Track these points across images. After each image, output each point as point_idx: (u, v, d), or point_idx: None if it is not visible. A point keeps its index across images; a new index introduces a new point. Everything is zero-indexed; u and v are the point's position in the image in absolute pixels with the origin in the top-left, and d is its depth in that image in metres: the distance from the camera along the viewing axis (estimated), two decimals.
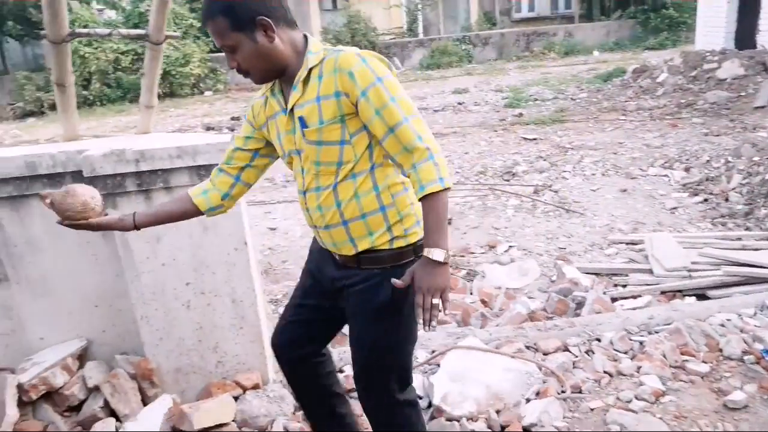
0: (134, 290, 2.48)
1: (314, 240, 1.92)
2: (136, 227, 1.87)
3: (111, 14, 16.52)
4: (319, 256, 1.89)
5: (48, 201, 1.75)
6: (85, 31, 3.01)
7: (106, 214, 1.84)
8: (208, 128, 11.41)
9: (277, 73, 1.65)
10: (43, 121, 14.85)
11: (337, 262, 1.79)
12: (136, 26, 14.81)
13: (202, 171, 2.35)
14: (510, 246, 5.09)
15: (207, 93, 16.12)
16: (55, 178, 2.34)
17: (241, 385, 2.58)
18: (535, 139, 8.59)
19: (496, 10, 21.02)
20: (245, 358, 2.62)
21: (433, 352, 2.81)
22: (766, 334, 2.60)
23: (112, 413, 2.52)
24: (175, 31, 14.89)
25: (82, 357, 2.65)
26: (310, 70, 1.62)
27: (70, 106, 2.67)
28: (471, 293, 4.06)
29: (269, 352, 2.67)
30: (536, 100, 11.47)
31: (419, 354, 2.82)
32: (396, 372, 1.86)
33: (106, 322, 2.65)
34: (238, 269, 2.51)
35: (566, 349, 2.76)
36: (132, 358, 2.63)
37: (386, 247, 1.72)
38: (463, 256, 4.97)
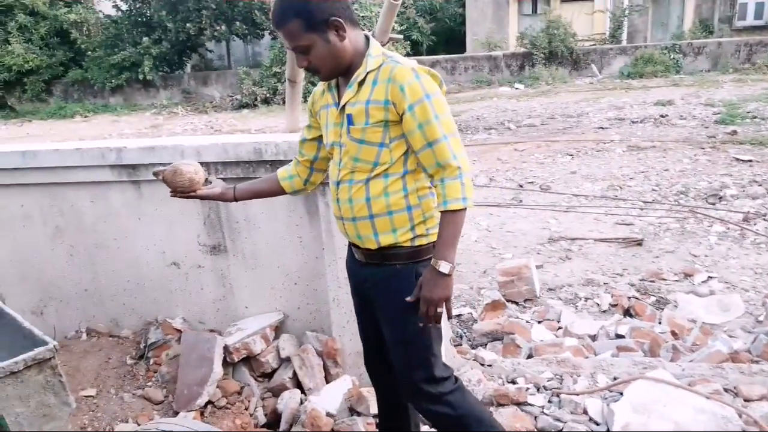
0: (330, 273, 2.69)
1: (348, 257, 2.06)
2: (236, 199, 2.12)
3: None
4: (352, 264, 2.02)
5: (161, 177, 2.03)
6: None
7: (210, 184, 2.09)
8: None
9: (344, 70, 1.77)
10: (254, 113, 16.59)
11: (361, 262, 1.92)
12: None
13: None
14: (710, 276, 4.62)
15: None
16: (275, 165, 2.62)
17: None
18: (750, 160, 7.66)
19: (715, 17, 19.04)
20: None
21: (615, 378, 2.66)
22: None
23: (298, 385, 2.75)
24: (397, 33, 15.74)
25: (278, 329, 2.94)
26: (368, 73, 1.74)
27: (296, 101, 2.95)
28: (660, 322, 3.77)
29: (444, 350, 2.72)
30: (755, 117, 10.20)
31: (599, 378, 2.69)
32: (429, 367, 1.89)
33: (301, 299, 2.90)
34: None
35: None
36: (320, 336, 2.85)
37: (408, 244, 1.82)
38: (653, 281, 4.62)
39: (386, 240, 1.83)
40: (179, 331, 2.97)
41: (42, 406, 1.49)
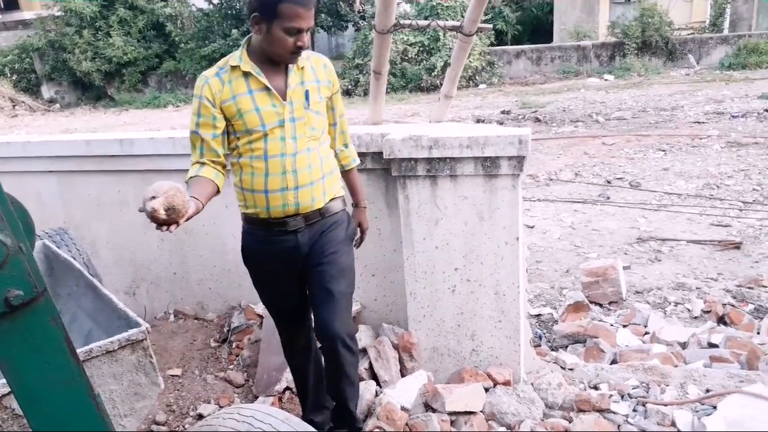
0: (408, 267, 2.68)
1: (260, 241, 2.16)
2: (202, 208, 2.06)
3: (405, 8, 17.83)
4: (274, 244, 2.13)
5: (162, 209, 1.75)
6: (407, 22, 3.30)
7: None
8: (478, 120, 11.69)
9: None
10: None
11: (297, 229, 2.11)
12: (426, 19, 15.78)
13: (487, 162, 2.42)
14: None
15: (481, 86, 16.47)
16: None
17: (493, 378, 2.62)
18: None
19: None
20: (499, 351, 2.65)
21: (708, 390, 2.50)
22: None
23: (374, 377, 2.77)
24: (485, 24, 15.55)
25: (355, 319, 2.95)
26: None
27: (380, 93, 2.95)
28: (758, 332, 3.51)
29: (523, 350, 2.66)
30: None
31: (690, 389, 2.54)
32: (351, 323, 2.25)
33: (378, 291, 2.91)
34: (506, 262, 2.54)
35: None
36: (396, 329, 2.85)
37: (339, 195, 2.22)
38: (751, 287, 4.31)
39: (329, 194, 2.18)
40: (261, 316, 3.05)
41: (134, 384, 1.57)
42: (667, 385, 2.56)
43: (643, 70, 15.69)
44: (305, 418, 2.39)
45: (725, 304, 3.98)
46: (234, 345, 2.99)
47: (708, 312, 3.93)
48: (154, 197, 1.76)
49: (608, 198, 6.69)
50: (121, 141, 3.15)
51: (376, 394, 2.62)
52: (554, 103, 12.74)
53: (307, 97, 2.06)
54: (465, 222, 2.30)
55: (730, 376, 2.59)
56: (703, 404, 2.40)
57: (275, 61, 2.01)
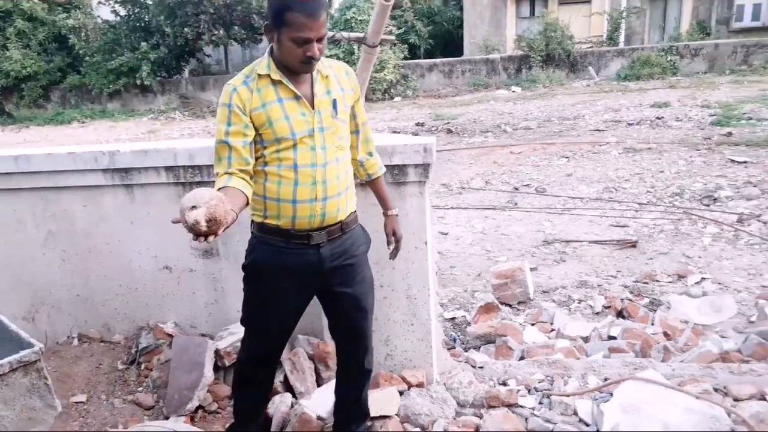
0: None
1: (277, 254, 2.08)
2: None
3: None
4: (296, 257, 2.08)
5: (204, 220, 1.64)
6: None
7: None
8: (394, 132, 11.90)
9: None
10: None
11: (318, 244, 2.07)
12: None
13: (396, 170, 2.49)
14: (703, 278, 4.64)
15: (396, 99, 16.79)
16: None
17: (407, 380, 2.68)
18: (744, 162, 7.68)
19: (712, 18, 19.07)
20: (413, 354, 2.72)
21: (606, 379, 2.66)
22: None
23: (290, 389, 2.75)
24: (389, 36, 15.79)
25: None
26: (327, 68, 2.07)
27: None
28: (652, 323, 3.78)
29: (435, 352, 2.74)
30: (750, 119, 10.23)
31: (590, 379, 2.70)
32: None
33: None
34: (416, 267, 2.61)
35: (763, 398, 2.45)
36: (312, 339, 2.86)
37: (355, 209, 2.19)
38: (646, 282, 4.63)
39: (351, 207, 2.16)
40: (171, 335, 2.97)
41: (27, 409, 1.50)
42: (570, 377, 2.71)
43: (547, 81, 16.54)
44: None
45: (623, 299, 4.26)
46: (143, 366, 2.89)
47: (608, 307, 4.19)
48: (194, 207, 1.66)
49: (516, 204, 6.99)
50: (17, 157, 2.99)
51: (292, 406, 2.61)
52: (465, 115, 13.17)
53: (334, 106, 2.04)
54: (375, 229, 2.35)
55: (625, 365, 2.78)
56: (601, 392, 2.56)
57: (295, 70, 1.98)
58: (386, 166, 2.40)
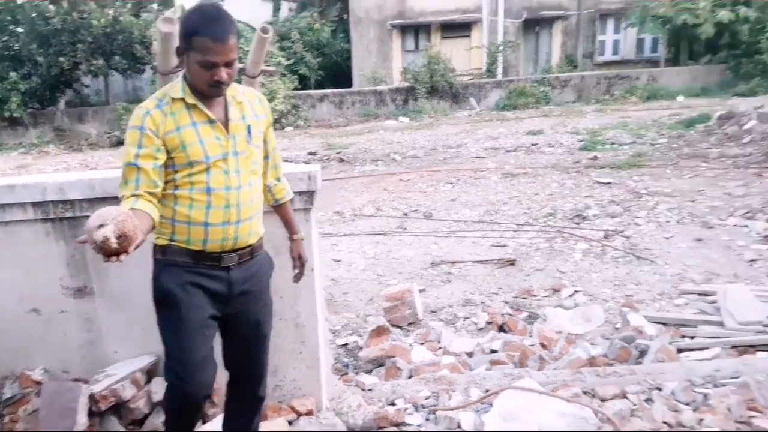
0: None
1: (185, 277, 2.06)
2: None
3: None
4: (206, 279, 2.07)
5: (113, 236, 1.62)
6: None
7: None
8: (286, 161, 11.84)
9: None
10: None
11: (229, 267, 2.08)
12: None
13: None
14: (575, 291, 5.00)
15: (288, 128, 16.78)
16: None
17: (296, 410, 2.67)
18: (609, 183, 8.41)
19: (578, 52, 20.84)
20: (302, 383, 2.72)
21: (487, 391, 2.80)
22: None
23: None
24: (269, 65, 15.66)
25: (151, 372, 2.81)
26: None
27: None
28: (531, 335, 4.02)
29: (324, 378, 2.76)
30: (613, 144, 11.23)
31: (472, 392, 2.83)
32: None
33: None
34: (304, 294, 2.63)
35: (625, 397, 2.69)
36: None
37: (263, 234, 2.22)
38: (525, 298, 4.92)
39: (261, 231, 2.20)
40: (39, 383, 2.77)
41: None
42: (454, 391, 2.83)
43: (433, 112, 17.24)
44: None
45: (504, 314, 4.50)
46: (7, 419, 2.67)
47: (491, 323, 4.41)
48: (102, 225, 1.59)
49: (405, 229, 7.19)
50: None
51: None
52: (357, 144, 13.41)
53: (249, 132, 2.08)
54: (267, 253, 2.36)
55: (504, 376, 2.94)
56: (483, 404, 2.69)
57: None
58: None
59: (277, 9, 23.24)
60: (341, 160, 11.74)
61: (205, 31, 1.88)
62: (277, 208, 2.36)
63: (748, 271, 5.12)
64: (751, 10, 16.50)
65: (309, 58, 19.33)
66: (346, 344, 4.43)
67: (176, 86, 2.02)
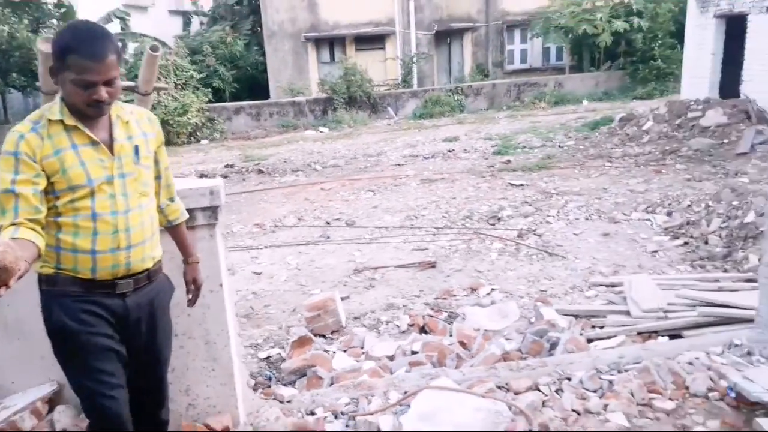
0: None
1: (78, 308, 1.93)
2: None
3: None
4: (100, 308, 1.95)
5: None
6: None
7: None
8: (201, 175, 11.54)
9: None
10: None
11: (125, 293, 1.99)
12: (133, 79, 15.17)
13: None
14: (492, 289, 5.14)
15: (203, 142, 16.36)
16: None
17: (211, 428, 2.59)
18: (521, 185, 8.73)
19: (489, 62, 21.58)
20: (216, 400, 2.64)
21: (405, 392, 2.82)
22: (732, 372, 2.63)
23: None
24: (167, 83, 15.22)
25: (53, 401, 2.65)
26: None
27: None
28: (450, 335, 4.09)
29: (240, 394, 2.69)
30: (524, 147, 11.68)
31: (391, 395, 2.84)
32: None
33: None
34: (212, 311, 2.56)
35: (537, 389, 2.78)
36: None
37: (160, 257, 2.13)
38: (445, 298, 5.01)
39: (158, 254, 2.10)
40: None
41: None
42: (373, 396, 2.83)
43: (352, 122, 17.32)
44: None
45: (425, 316, 4.56)
46: None
47: (412, 325, 4.45)
48: None
49: (328, 237, 7.17)
50: None
51: None
52: (276, 155, 13.26)
53: (137, 152, 1.98)
54: (169, 276, 2.27)
55: (422, 376, 2.97)
56: (401, 406, 2.71)
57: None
58: None
59: (187, 23, 22.72)
60: (260, 172, 11.57)
61: (81, 50, 1.79)
62: (171, 230, 2.27)
63: (651, 261, 5.45)
64: (643, 21, 17.67)
65: (222, 71, 18.98)
66: (268, 357, 4.35)
67: (53, 107, 1.90)
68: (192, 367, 2.60)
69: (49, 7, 16.72)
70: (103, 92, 1.83)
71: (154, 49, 2.66)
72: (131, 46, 17.16)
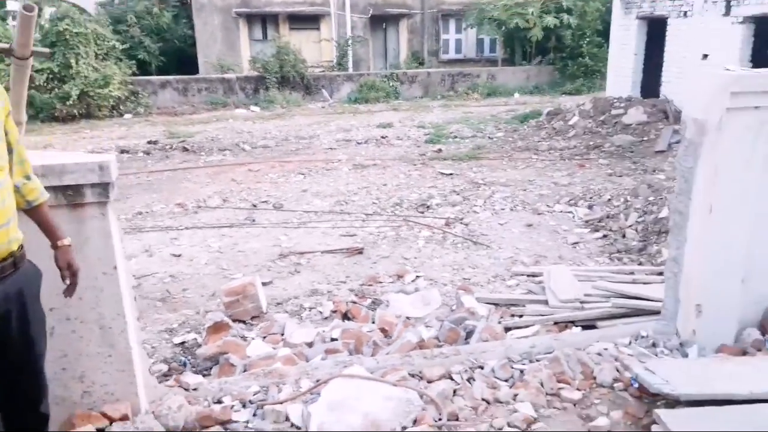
0: None
1: None
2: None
3: None
4: None
5: None
6: None
7: None
8: (122, 151, 11.02)
9: None
10: None
11: None
12: (53, 45, 14.26)
13: (69, 191, 2.24)
14: (417, 276, 5.13)
15: (127, 116, 15.59)
16: None
17: (108, 416, 2.43)
18: (451, 174, 8.79)
19: (424, 50, 21.63)
20: (113, 387, 2.47)
21: (318, 381, 2.75)
22: (635, 363, 2.71)
23: None
24: (87, 52, 14.33)
25: None
26: None
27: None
28: (373, 322, 4.05)
29: (141, 381, 2.54)
30: (456, 137, 11.78)
31: (303, 383, 2.75)
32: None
33: None
34: (106, 294, 2.39)
35: (450, 377, 2.77)
36: None
37: (22, 240, 1.92)
38: (370, 285, 4.97)
39: (20, 237, 1.89)
40: None
41: None
42: (285, 384, 2.74)
43: (285, 102, 16.95)
44: None
45: (349, 302, 4.49)
46: None
47: (335, 311, 4.38)
48: None
49: (254, 221, 6.96)
50: None
51: None
52: (203, 133, 12.80)
53: None
54: (53, 257, 2.08)
55: (336, 364, 2.90)
56: (312, 394, 2.63)
57: None
58: (58, 187, 2.16)
59: None
60: (185, 150, 11.14)
61: None
62: (32, 212, 2.01)
63: (571, 252, 5.60)
64: (572, 18, 18.18)
65: (148, 43, 18.12)
66: (183, 342, 4.18)
67: None
68: (86, 353, 2.43)
69: None
70: None
71: (27, 8, 2.43)
72: (48, 11, 16.06)
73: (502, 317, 3.97)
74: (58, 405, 2.44)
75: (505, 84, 19.04)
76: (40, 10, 15.97)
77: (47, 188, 2.12)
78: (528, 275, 4.94)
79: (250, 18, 19.87)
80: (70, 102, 14.43)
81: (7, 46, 2.55)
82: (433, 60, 21.57)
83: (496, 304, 4.24)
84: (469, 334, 3.37)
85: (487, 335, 3.26)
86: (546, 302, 4.20)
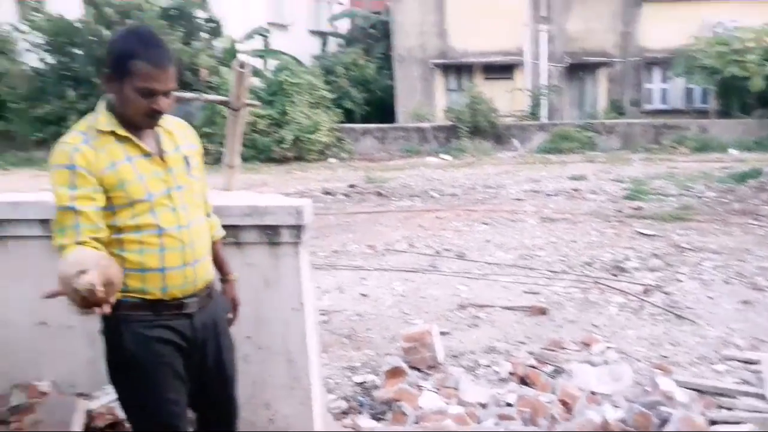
0: None
1: (148, 343, 1.86)
2: None
3: (255, 81, 18.12)
4: (162, 339, 1.89)
5: (100, 284, 1.48)
6: (188, 95, 3.34)
7: None
8: (326, 192, 11.95)
9: None
10: None
11: (190, 313, 1.93)
12: (274, 94, 16.17)
13: (269, 231, 2.47)
14: (607, 347, 4.73)
15: (331, 160, 16.96)
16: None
17: None
18: (651, 235, 8.09)
19: (624, 99, 20.53)
20: (294, 420, 2.62)
21: None
22: None
23: None
24: (256, 101, 16.01)
25: None
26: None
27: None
28: (553, 392, 3.80)
29: (319, 418, 2.65)
30: (659, 194, 10.87)
31: None
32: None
33: None
34: (293, 329, 2.56)
35: None
36: None
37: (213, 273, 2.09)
38: (553, 350, 4.68)
39: (213, 270, 2.08)
40: (45, 394, 2.77)
41: None
42: None
43: (475, 151, 17.16)
44: None
45: (528, 366, 4.28)
46: (12, 426, 2.67)
47: (513, 373, 4.19)
48: (83, 271, 1.42)
49: (436, 267, 7.05)
50: None
51: None
52: (397, 179, 13.41)
53: (187, 163, 1.93)
54: (254, 288, 2.30)
55: None
56: None
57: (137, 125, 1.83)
58: (258, 226, 2.38)
59: (325, 44, 23.81)
60: (380, 194, 11.74)
61: (145, 55, 1.73)
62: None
63: None
64: None
65: (354, 93, 19.63)
66: (363, 382, 4.30)
67: (99, 118, 1.84)
68: (273, 383, 2.62)
69: (200, 21, 18.16)
70: (163, 102, 1.80)
71: (241, 65, 2.74)
72: (271, 63, 18.23)
73: (706, 408, 3.48)
74: (246, 428, 2.64)
75: (718, 138, 17.24)
76: (266, 62, 18.14)
77: (251, 227, 2.37)
78: (741, 361, 4.30)
79: (447, 69, 20.63)
80: (285, 145, 16.12)
81: (225, 98, 2.91)
82: (634, 110, 20.36)
83: (699, 391, 3.74)
84: (664, 422, 2.99)
85: (685, 427, 2.86)
86: (763, 397, 3.61)
